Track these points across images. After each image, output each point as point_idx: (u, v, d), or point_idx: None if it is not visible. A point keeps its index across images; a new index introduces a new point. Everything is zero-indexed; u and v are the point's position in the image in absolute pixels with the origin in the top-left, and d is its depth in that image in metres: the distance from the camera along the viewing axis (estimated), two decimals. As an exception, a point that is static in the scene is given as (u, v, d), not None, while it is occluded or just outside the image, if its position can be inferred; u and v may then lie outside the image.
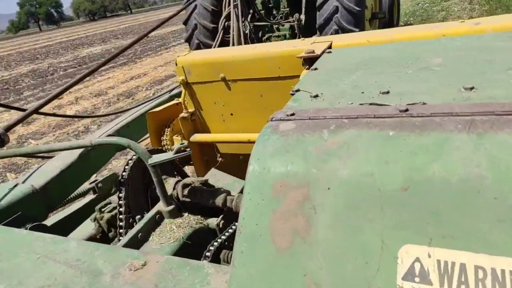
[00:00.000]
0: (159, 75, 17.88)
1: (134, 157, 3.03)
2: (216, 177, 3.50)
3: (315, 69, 2.46)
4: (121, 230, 2.93)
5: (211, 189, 3.00)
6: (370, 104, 1.74)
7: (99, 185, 3.15)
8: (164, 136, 3.94)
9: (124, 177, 2.91)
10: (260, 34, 11.61)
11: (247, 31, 9.40)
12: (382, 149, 1.41)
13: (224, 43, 8.69)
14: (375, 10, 12.54)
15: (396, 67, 2.18)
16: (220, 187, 3.13)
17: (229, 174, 3.55)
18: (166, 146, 3.95)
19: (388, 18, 13.49)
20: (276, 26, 11.56)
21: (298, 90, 2.13)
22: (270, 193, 1.42)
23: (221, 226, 2.94)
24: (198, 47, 11.03)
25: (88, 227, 3.25)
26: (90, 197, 3.56)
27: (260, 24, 11.28)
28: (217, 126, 3.94)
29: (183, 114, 3.88)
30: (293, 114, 1.76)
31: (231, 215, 3.01)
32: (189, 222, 2.86)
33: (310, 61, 2.87)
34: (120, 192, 2.91)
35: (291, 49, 3.24)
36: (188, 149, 2.66)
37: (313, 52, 2.84)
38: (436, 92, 1.66)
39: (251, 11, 10.51)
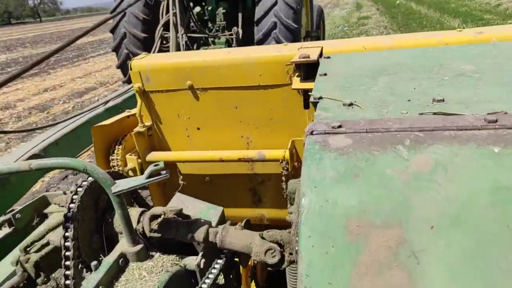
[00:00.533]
0: (78, 87, 16.28)
1: (84, 183, 2.35)
2: (184, 204, 2.90)
3: (324, 74, 2.09)
4: (68, 282, 2.21)
5: (187, 220, 2.43)
6: (435, 113, 1.44)
7: (17, 216, 2.41)
8: (114, 155, 3.24)
9: (72, 210, 2.21)
10: (195, 46, 11.12)
11: (183, 42, 8.86)
12: (496, 171, 1.08)
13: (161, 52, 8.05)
14: (308, 28, 12.87)
15: (425, 73, 1.92)
16: (197, 217, 2.56)
17: (198, 199, 2.98)
18: (117, 167, 3.25)
19: (316, 38, 13.97)
20: (212, 39, 11.19)
21: (321, 98, 1.73)
22: (343, 237, 0.99)
23: (202, 266, 2.38)
24: (127, 57, 10.16)
25: (5, 271, 2.47)
26: (5, 231, 2.73)
27: (196, 36, 10.83)
28: (180, 143, 3.36)
29: (138, 129, 3.23)
30: (340, 126, 1.37)
31: (212, 251, 2.46)
32: (162, 264, 2.27)
33: (305, 67, 2.50)
34: (67, 231, 2.21)
35: (275, 54, 2.84)
36: (164, 172, 2.09)
37: (308, 57, 2.47)
38: (501, 101, 1.44)
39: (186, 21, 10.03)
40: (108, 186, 2.02)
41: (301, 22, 10.50)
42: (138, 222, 2.46)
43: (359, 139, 1.22)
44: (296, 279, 3.23)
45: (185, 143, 3.36)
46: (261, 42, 9.94)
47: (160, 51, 8.16)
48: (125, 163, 3.27)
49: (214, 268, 2.39)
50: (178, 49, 7.94)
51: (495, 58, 2.01)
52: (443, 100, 1.49)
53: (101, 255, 2.33)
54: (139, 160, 3.28)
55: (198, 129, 3.28)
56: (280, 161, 3.05)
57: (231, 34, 10.83)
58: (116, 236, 2.50)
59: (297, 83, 2.54)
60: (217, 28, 11.47)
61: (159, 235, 2.41)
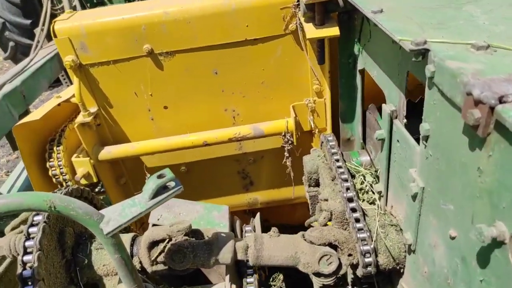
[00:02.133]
0: None
1: (38, 218, 1.54)
2: (173, 210, 2.20)
3: (380, 11, 1.51)
4: None
5: (205, 240, 1.75)
6: None
7: None
8: (54, 160, 2.32)
9: (31, 267, 1.42)
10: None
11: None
12: None
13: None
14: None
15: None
16: (203, 228, 1.89)
17: (186, 200, 2.29)
18: (61, 177, 2.34)
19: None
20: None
21: (425, 43, 1.18)
22: None
23: (232, 293, 1.77)
24: (15, 50, 7.99)
25: None
26: None
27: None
28: (142, 129, 2.54)
29: (81, 119, 2.32)
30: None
31: (239, 270, 1.86)
32: None
33: (322, 8, 1.86)
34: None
35: (265, -4, 2.14)
36: (174, 184, 1.40)
37: (323, -7, 1.84)
38: None
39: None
40: (95, 225, 1.25)
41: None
42: (132, 255, 1.71)
43: None
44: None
45: (149, 129, 2.55)
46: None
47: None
48: (73, 170, 2.38)
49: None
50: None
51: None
52: None
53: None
54: (92, 161, 2.41)
55: (166, 108, 2.49)
56: (283, 134, 2.45)
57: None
58: (100, 280, 1.74)
59: (312, 31, 1.91)
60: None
61: (165, 267, 1.71)
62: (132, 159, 2.65)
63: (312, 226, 2.43)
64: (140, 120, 2.52)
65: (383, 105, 1.68)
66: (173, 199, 2.36)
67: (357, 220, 1.77)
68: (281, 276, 4.06)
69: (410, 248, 1.56)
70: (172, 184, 1.43)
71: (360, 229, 1.74)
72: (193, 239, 1.72)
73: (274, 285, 3.99)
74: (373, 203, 1.99)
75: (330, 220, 2.08)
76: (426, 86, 1.20)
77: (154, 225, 2.14)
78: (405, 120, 1.57)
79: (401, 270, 1.75)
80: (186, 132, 2.49)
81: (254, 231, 2.22)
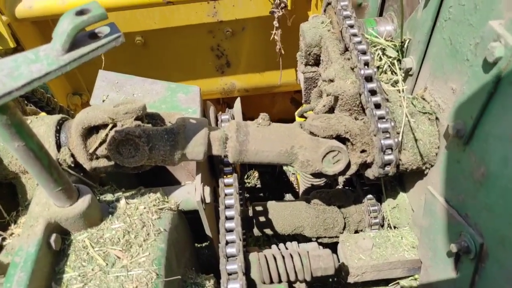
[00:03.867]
0: None
1: None
2: (123, 89, 1.65)
3: None
4: None
5: (166, 127, 1.23)
6: None
7: None
8: None
9: None
10: None
11: None
12: None
13: None
14: None
15: None
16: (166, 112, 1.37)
17: (140, 77, 1.73)
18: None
19: None
20: None
21: None
22: None
23: (208, 200, 1.34)
24: None
25: None
26: None
27: None
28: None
29: None
30: None
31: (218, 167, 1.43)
32: (142, 218, 1.20)
33: None
34: None
35: None
36: (110, 30, 0.80)
37: None
38: None
39: None
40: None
41: None
42: (59, 146, 1.18)
43: None
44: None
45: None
46: None
47: None
48: None
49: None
50: None
51: None
52: None
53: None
54: (4, 18, 1.72)
55: None
56: (274, -8, 1.80)
57: None
58: (17, 179, 1.23)
59: None
60: None
61: (110, 163, 1.21)
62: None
63: (305, 117, 1.97)
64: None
65: None
66: (121, 75, 1.77)
67: (377, 106, 1.30)
68: (256, 174, 3.76)
69: (457, 140, 1.12)
70: (105, 29, 0.86)
71: (381, 118, 1.28)
72: (149, 125, 1.20)
73: (248, 183, 3.70)
74: (393, 85, 1.51)
75: (331, 108, 1.61)
76: None
77: (97, 107, 1.59)
78: None
79: (426, 171, 1.35)
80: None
81: (233, 119, 1.73)
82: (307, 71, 1.77)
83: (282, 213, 1.75)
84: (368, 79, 1.33)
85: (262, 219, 1.76)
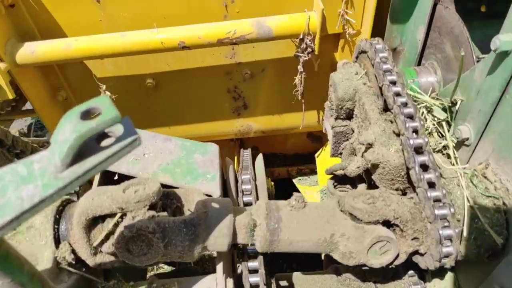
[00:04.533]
0: None
1: None
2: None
3: None
4: None
5: (188, 217, 1.04)
6: None
7: None
8: None
9: None
10: None
11: None
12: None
13: None
14: None
15: None
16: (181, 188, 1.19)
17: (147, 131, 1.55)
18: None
19: None
20: None
21: None
22: None
23: None
24: None
25: None
26: None
27: None
28: (84, 18, 1.64)
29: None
30: None
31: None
32: None
33: None
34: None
35: None
36: (131, 136, 0.60)
37: None
38: None
39: None
40: None
41: None
42: (57, 240, 0.99)
43: None
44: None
45: (94, 17, 1.66)
46: None
47: None
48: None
49: None
50: None
51: None
52: None
53: None
54: (3, 65, 1.55)
55: (120, -15, 1.58)
56: (301, 36, 1.63)
57: None
58: None
59: None
60: None
61: (116, 259, 1.02)
62: (73, 65, 1.80)
63: (336, 175, 1.78)
64: (81, 2, 1.62)
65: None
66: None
67: (431, 185, 1.11)
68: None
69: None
70: (117, 129, 0.68)
71: (436, 200, 1.09)
72: (165, 213, 1.02)
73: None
74: (440, 151, 1.32)
75: (366, 170, 1.42)
76: None
77: (104, 171, 1.41)
78: None
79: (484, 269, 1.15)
80: (152, 26, 1.62)
81: (254, 180, 1.54)
82: (337, 125, 1.58)
83: (310, 288, 1.55)
84: (418, 150, 1.14)
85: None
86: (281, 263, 3.11)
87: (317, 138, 3.17)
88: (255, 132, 2.27)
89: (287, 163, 3.08)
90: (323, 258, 2.10)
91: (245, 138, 2.72)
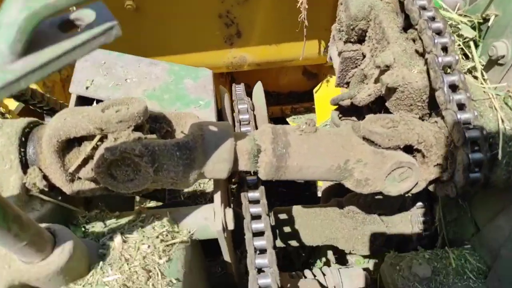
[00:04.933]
0: None
1: None
2: (96, 60, 1.27)
3: None
4: None
5: (183, 139, 0.89)
6: None
7: None
8: None
9: None
10: None
11: None
12: None
13: None
14: None
15: None
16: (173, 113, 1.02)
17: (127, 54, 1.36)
18: None
19: None
20: None
21: None
22: None
23: (230, 226, 1.03)
24: None
25: None
26: None
27: None
28: None
29: None
30: None
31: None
32: (141, 252, 0.85)
33: None
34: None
35: None
36: (107, 23, 0.40)
37: None
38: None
39: None
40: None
41: None
42: (25, 165, 0.84)
43: None
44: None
45: None
46: None
47: None
48: None
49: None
50: None
51: None
52: None
53: None
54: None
55: None
56: None
57: None
58: None
59: None
60: None
61: (97, 185, 0.88)
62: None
63: (341, 106, 1.63)
64: None
65: None
66: (114, 53, 1.39)
67: (461, 107, 0.97)
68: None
69: None
70: (87, 14, 0.50)
71: (466, 123, 0.96)
72: (153, 136, 0.86)
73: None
74: (469, 72, 1.18)
75: (377, 99, 1.28)
76: None
77: (79, 97, 1.23)
78: None
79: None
80: None
81: (252, 109, 1.38)
82: (346, 50, 1.41)
83: (311, 223, 1.46)
84: (447, 69, 0.99)
85: (287, 229, 1.47)
86: (272, 202, 3.05)
87: (313, 75, 2.99)
88: (249, 65, 2.08)
89: (281, 101, 2.93)
90: (320, 195, 2.02)
91: (236, 73, 2.53)
